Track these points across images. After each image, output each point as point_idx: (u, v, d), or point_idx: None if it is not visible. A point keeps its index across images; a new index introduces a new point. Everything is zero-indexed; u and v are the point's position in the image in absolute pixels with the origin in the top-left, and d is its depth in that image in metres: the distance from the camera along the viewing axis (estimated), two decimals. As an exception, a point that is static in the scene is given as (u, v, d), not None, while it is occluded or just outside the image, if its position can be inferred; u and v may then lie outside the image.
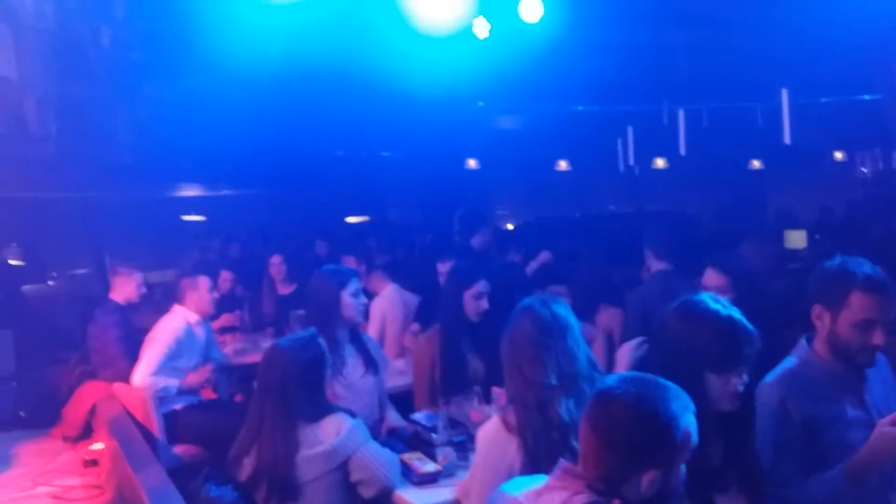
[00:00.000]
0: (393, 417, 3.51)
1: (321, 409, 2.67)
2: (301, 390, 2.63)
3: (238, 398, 5.19)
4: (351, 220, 11.33)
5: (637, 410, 1.54)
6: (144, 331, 4.51)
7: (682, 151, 6.06)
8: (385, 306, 5.09)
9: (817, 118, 9.61)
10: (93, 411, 4.94)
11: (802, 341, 2.30)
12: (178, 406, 4.38)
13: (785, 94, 5.13)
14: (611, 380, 1.64)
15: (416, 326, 4.86)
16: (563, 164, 12.20)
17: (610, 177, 9.52)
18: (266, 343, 4.37)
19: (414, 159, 11.05)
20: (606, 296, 4.21)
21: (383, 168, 11.08)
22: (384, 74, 7.13)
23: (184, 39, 6.79)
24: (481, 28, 5.68)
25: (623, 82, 8.65)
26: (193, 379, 4.47)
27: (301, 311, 5.21)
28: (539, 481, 1.70)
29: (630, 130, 7.40)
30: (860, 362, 2.18)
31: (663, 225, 5.27)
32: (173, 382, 4.34)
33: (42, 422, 5.37)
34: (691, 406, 1.58)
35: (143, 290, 5.02)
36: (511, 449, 2.22)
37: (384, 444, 2.82)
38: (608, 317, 4.49)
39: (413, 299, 5.20)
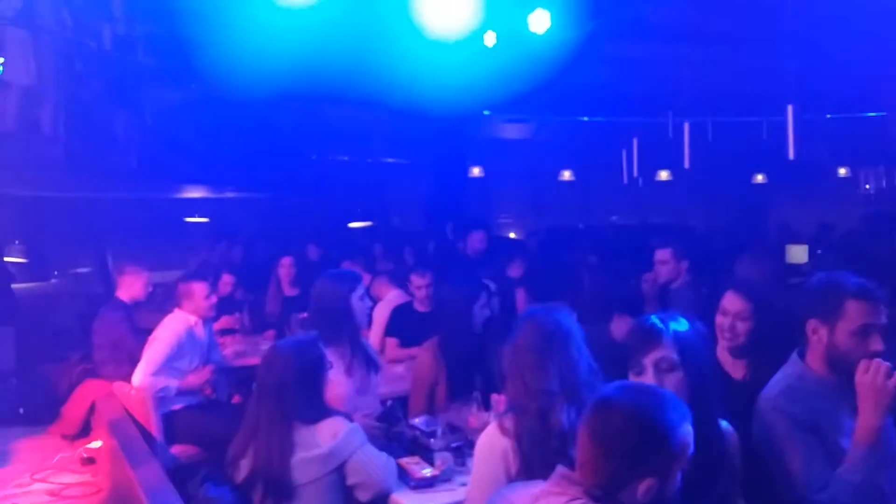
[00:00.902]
0: None
1: (318, 411, 2.67)
2: (299, 391, 2.63)
3: (236, 400, 5.20)
4: (354, 225, 11.34)
5: (635, 419, 1.55)
6: (146, 331, 4.53)
7: (686, 164, 6.06)
8: (388, 311, 5.11)
9: (822, 134, 9.62)
10: (92, 409, 4.95)
11: (794, 356, 2.30)
12: (176, 406, 4.39)
13: (790, 110, 5.12)
14: (609, 388, 1.65)
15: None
16: (567, 175, 12.21)
17: (614, 188, 9.52)
18: (266, 346, 4.38)
19: (419, 166, 11.08)
20: (620, 305, 4.20)
21: (388, 174, 11.10)
22: (391, 80, 7.16)
23: (190, 43, 6.83)
24: (489, 37, 5.70)
25: (629, 94, 8.68)
26: (193, 380, 4.49)
27: (303, 315, 5.26)
28: (537, 486, 1.70)
29: (635, 142, 7.40)
30: None
31: (686, 235, 5.27)
32: (173, 383, 4.35)
33: (41, 419, 5.38)
34: (688, 416, 1.59)
35: (150, 288, 5.04)
36: (508, 455, 2.23)
37: (382, 447, 2.81)
38: (622, 326, 4.48)
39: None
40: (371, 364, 3.43)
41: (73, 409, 5.15)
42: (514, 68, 6.59)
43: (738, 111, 8.36)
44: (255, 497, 2.63)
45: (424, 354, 3.60)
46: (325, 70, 6.66)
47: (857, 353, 2.13)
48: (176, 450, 4.26)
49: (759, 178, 12.95)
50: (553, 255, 6.10)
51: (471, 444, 2.65)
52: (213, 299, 4.73)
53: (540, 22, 5.38)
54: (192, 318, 4.53)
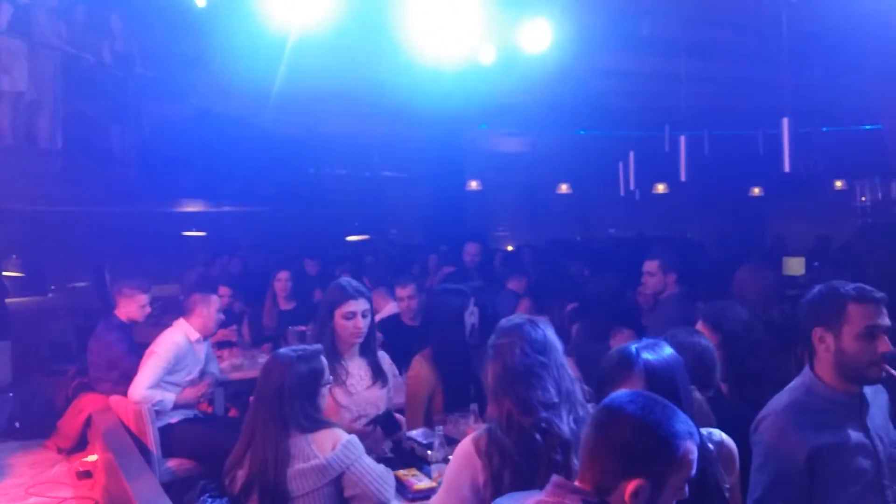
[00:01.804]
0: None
1: (315, 421, 2.66)
2: (296, 400, 2.63)
3: (233, 413, 5.18)
4: (352, 238, 11.36)
5: (640, 419, 1.55)
6: (144, 345, 4.51)
7: (683, 177, 6.09)
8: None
9: (818, 147, 9.70)
10: (88, 423, 4.93)
11: (806, 368, 2.29)
12: (173, 420, 4.37)
13: (786, 123, 5.15)
14: (622, 393, 1.65)
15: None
16: (564, 188, 12.27)
17: (611, 201, 9.56)
18: (263, 359, 4.37)
19: (417, 180, 11.12)
20: (620, 318, 4.20)
21: (386, 188, 11.14)
22: (389, 96, 7.22)
23: (189, 59, 6.89)
24: (486, 54, 5.72)
25: (625, 108, 8.75)
26: (190, 393, 4.46)
27: (300, 327, 5.26)
28: (532, 497, 1.68)
29: (631, 155, 7.45)
30: (871, 377, 2.18)
31: (677, 248, 5.30)
32: (170, 396, 4.33)
33: (37, 433, 5.37)
34: (696, 435, 1.58)
35: (148, 309, 5.00)
36: (477, 470, 2.17)
37: (380, 459, 2.81)
38: (623, 339, 4.48)
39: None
40: (378, 377, 3.41)
41: (69, 423, 5.14)
42: (510, 83, 6.65)
43: (734, 125, 8.43)
44: (252, 508, 2.61)
45: (419, 367, 3.57)
46: (323, 85, 6.72)
47: (865, 356, 2.14)
48: (172, 463, 4.23)
49: (756, 190, 13.04)
50: (554, 268, 6.11)
51: (469, 457, 2.64)
52: (222, 316, 4.73)
53: (537, 39, 5.40)
54: (193, 333, 4.51)
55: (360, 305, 3.26)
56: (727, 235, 11.31)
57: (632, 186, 7.53)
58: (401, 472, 2.85)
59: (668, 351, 2.03)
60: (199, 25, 5.91)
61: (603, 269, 5.66)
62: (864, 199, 10.00)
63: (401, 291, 4.82)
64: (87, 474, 4.73)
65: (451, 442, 3.06)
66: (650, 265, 4.48)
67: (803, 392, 2.24)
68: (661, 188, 11.84)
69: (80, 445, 5.06)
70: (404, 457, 3.09)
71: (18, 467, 4.96)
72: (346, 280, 3.39)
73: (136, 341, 4.86)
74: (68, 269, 8.07)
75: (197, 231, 10.23)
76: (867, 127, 8.74)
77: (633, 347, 2.02)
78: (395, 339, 4.70)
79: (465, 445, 2.25)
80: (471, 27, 4.82)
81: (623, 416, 1.57)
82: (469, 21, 4.76)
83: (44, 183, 6.78)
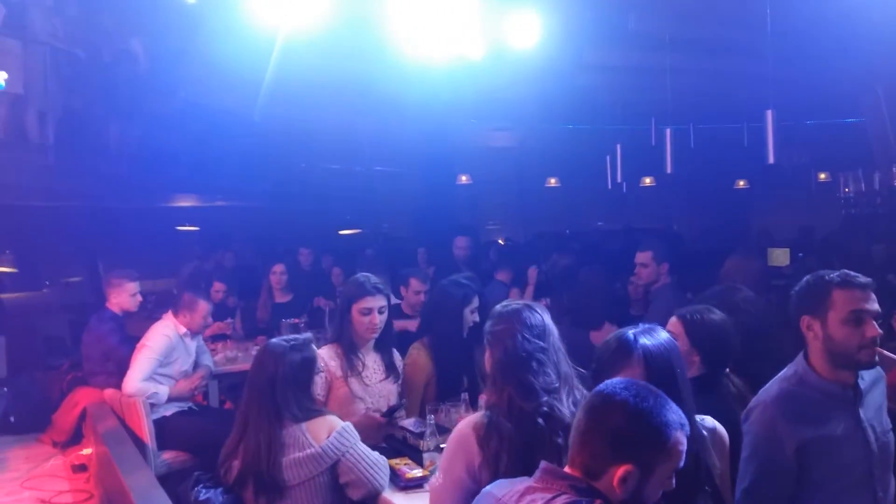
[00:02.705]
0: None
1: (308, 410, 2.72)
2: (289, 389, 2.68)
3: (227, 405, 5.24)
4: (344, 232, 11.40)
5: (633, 406, 1.57)
6: (137, 338, 4.57)
7: (669, 170, 6.17)
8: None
9: (802, 140, 9.81)
10: (82, 417, 4.98)
11: (800, 357, 2.29)
12: (168, 412, 4.43)
13: (769, 116, 5.22)
14: (616, 381, 1.67)
15: None
16: (553, 181, 12.35)
17: (598, 194, 9.64)
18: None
19: (408, 174, 11.16)
20: (609, 312, 4.25)
21: (378, 182, 11.18)
22: (380, 90, 7.24)
23: (181, 53, 6.89)
24: (475, 50, 5.76)
25: (612, 102, 8.81)
26: (184, 386, 4.53)
27: (293, 320, 5.32)
28: (522, 483, 1.71)
29: (618, 148, 7.52)
30: (864, 362, 2.17)
31: (666, 239, 5.34)
32: (163, 389, 4.38)
33: (32, 427, 5.42)
34: (687, 427, 1.60)
35: (139, 298, 5.05)
36: (473, 452, 2.18)
37: (374, 448, 2.87)
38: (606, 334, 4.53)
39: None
40: (391, 371, 3.48)
41: (64, 417, 5.18)
42: (499, 78, 6.69)
43: (719, 118, 8.51)
44: (247, 497, 2.66)
45: (417, 355, 3.64)
46: (315, 80, 6.74)
47: (852, 341, 2.14)
48: (168, 455, 4.29)
49: (741, 183, 13.16)
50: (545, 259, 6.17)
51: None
52: (210, 320, 4.79)
53: (526, 34, 5.46)
54: (181, 328, 4.57)
55: (377, 302, 3.34)
56: (713, 227, 11.43)
57: (619, 179, 7.60)
58: (393, 461, 2.91)
59: (664, 335, 2.07)
60: (189, 20, 5.91)
61: (592, 261, 5.73)
62: (847, 190, 10.12)
63: (418, 285, 4.86)
64: (82, 468, 4.78)
65: (443, 431, 3.14)
66: (643, 256, 4.53)
67: (795, 381, 2.25)
68: (647, 181, 11.94)
69: (75, 439, 5.11)
70: (396, 445, 3.16)
71: (14, 461, 5.01)
72: (364, 276, 3.45)
73: (130, 335, 4.92)
74: (62, 265, 8.08)
75: (190, 225, 10.25)
76: (850, 120, 8.83)
77: (631, 333, 2.04)
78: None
79: (462, 429, 2.26)
80: (460, 23, 4.85)
81: (616, 402, 1.58)
82: (458, 17, 4.79)
83: (36, 178, 6.80)
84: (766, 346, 2.85)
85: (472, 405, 3.34)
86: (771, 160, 5.24)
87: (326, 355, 3.31)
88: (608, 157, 7.69)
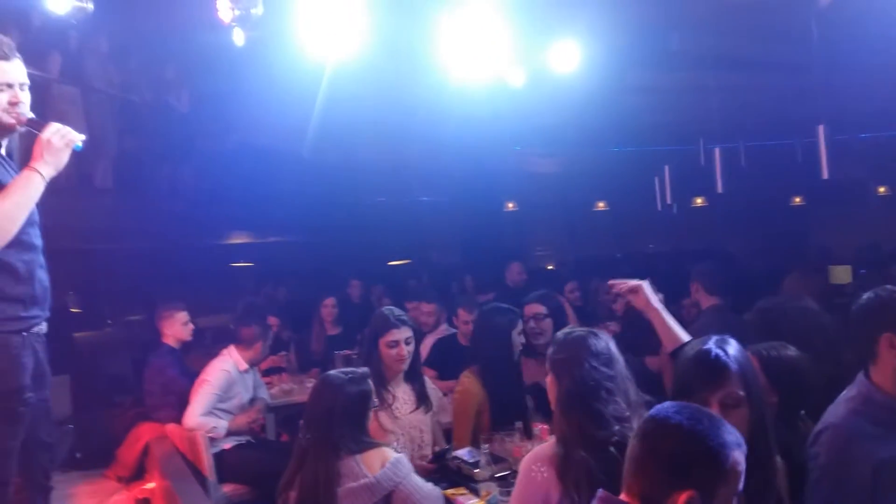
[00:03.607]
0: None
1: (363, 443, 2.73)
2: (345, 422, 2.70)
3: (284, 438, 5.29)
4: (394, 263, 11.50)
5: (688, 429, 1.53)
6: (196, 373, 4.67)
7: (720, 190, 6.07)
8: (430, 343, 5.22)
9: (859, 154, 9.51)
10: (146, 452, 5.08)
11: (861, 377, 2.21)
12: (226, 446, 4.49)
13: (821, 130, 5.12)
14: (668, 404, 1.63)
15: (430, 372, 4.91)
16: (601, 205, 12.26)
17: (648, 216, 9.52)
18: (311, 383, 4.48)
19: (454, 203, 11.23)
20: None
21: (424, 212, 11.27)
22: (422, 121, 7.35)
23: (231, 95, 7.12)
24: (516, 77, 5.81)
25: (658, 123, 8.74)
26: (242, 420, 4.59)
27: (346, 351, 5.38)
28: None
29: (667, 170, 7.43)
30: None
31: (711, 260, 5.26)
32: (222, 423, 4.46)
33: (97, 463, 5.53)
34: (744, 446, 1.55)
35: (191, 326, 5.18)
36: (549, 484, 2.16)
37: (427, 479, 2.86)
38: (662, 358, 4.45)
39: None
40: (423, 401, 3.48)
41: (128, 452, 5.28)
42: (542, 103, 6.71)
43: (770, 135, 8.35)
44: (304, 529, 2.68)
45: (468, 382, 3.63)
46: (360, 116, 6.88)
47: None
48: (227, 488, 4.33)
49: (797, 200, 12.82)
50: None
51: (515, 474, 2.66)
52: (267, 352, 4.90)
53: (566, 59, 5.47)
54: (242, 363, 4.67)
55: (402, 334, 3.37)
56: (769, 246, 11.13)
57: (668, 200, 7.51)
58: (449, 492, 2.88)
59: (737, 346, 2.04)
60: (239, 62, 6.12)
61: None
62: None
63: (465, 315, 4.95)
64: (145, 502, 4.86)
65: (497, 460, 3.11)
66: (693, 287, 4.44)
67: (861, 402, 2.16)
68: (699, 201, 11.74)
69: (139, 474, 5.20)
70: (450, 475, 3.13)
71: (80, 497, 5.12)
72: (388, 309, 3.49)
73: (192, 370, 5.02)
74: (124, 304, 8.32)
75: (244, 262, 10.49)
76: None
77: (717, 349, 1.99)
78: (448, 358, 4.80)
79: (531, 463, 2.22)
80: (500, 50, 4.90)
81: (670, 426, 1.54)
82: (498, 44, 4.84)
83: (99, 221, 7.07)
84: (832, 368, 2.72)
85: (527, 433, 3.31)
86: (825, 175, 5.12)
87: None
88: (657, 179, 7.61)
